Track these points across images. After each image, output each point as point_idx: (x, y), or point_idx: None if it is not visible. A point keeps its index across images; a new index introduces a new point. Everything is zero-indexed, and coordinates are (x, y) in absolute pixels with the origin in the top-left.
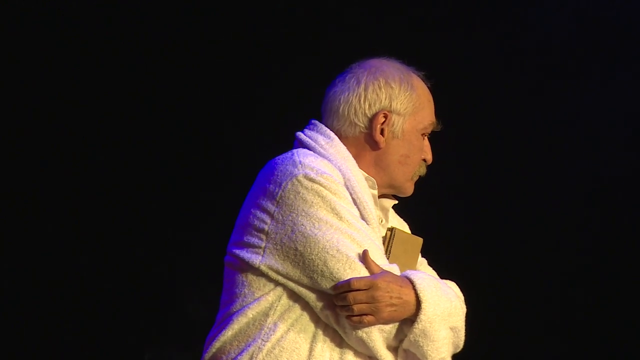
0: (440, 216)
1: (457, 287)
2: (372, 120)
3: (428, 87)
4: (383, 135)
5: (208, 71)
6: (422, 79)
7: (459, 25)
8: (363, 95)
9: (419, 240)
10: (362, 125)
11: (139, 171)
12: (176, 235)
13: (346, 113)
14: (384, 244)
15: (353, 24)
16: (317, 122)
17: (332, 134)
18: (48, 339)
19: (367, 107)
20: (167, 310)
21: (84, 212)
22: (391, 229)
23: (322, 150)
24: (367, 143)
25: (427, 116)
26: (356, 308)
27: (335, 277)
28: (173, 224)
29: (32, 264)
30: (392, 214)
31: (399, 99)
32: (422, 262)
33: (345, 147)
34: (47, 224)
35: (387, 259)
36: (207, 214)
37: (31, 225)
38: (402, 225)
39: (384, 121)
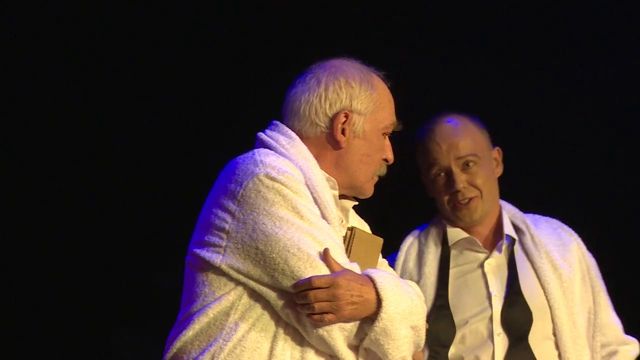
0: (400, 217)
1: (417, 286)
2: (333, 120)
3: (388, 87)
4: (344, 135)
5: (207, 77)
6: (382, 79)
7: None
8: (324, 95)
9: (379, 240)
10: (323, 125)
11: (120, 160)
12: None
13: (307, 113)
14: (344, 243)
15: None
16: (278, 122)
17: (294, 134)
18: (15, 324)
19: (327, 107)
20: (134, 295)
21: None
22: (351, 229)
23: (283, 150)
24: (328, 143)
25: (387, 116)
26: (317, 306)
27: (296, 275)
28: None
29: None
30: (353, 214)
31: (359, 99)
32: (382, 262)
33: (306, 147)
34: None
35: (348, 258)
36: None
37: None
38: (363, 226)
39: (345, 121)
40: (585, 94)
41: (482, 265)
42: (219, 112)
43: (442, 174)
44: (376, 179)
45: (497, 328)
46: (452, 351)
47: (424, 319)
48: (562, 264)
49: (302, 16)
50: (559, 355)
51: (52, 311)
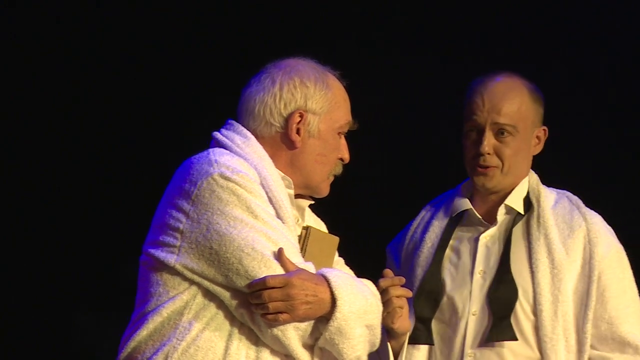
0: (357, 216)
1: (373, 285)
2: (287, 119)
3: (344, 87)
4: (299, 135)
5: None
6: (337, 79)
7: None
8: (278, 95)
9: (334, 239)
10: (278, 125)
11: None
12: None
13: (262, 113)
14: (299, 242)
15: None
16: (234, 121)
17: (249, 134)
18: None
19: (282, 106)
20: (96, 276)
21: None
22: (307, 228)
23: (238, 150)
24: (283, 143)
25: (343, 115)
26: (271, 306)
27: (250, 275)
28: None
29: None
30: (309, 213)
31: (314, 98)
32: (338, 261)
33: (261, 147)
34: None
35: (303, 257)
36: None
37: None
38: (319, 225)
39: (300, 120)
40: (585, 94)
41: (477, 239)
42: (177, 111)
43: (475, 131)
44: (332, 178)
45: (474, 306)
46: (433, 325)
47: (379, 317)
48: (559, 248)
49: (265, 13)
50: (538, 340)
51: (14, 294)
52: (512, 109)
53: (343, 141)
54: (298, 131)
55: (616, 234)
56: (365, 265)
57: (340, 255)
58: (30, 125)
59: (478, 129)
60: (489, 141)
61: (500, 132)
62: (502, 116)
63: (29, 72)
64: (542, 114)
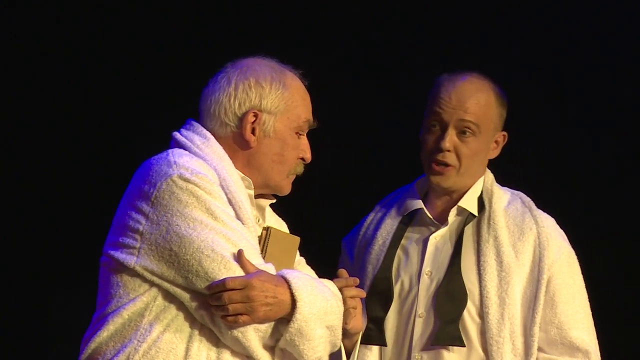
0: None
1: (334, 285)
2: (241, 119)
3: (305, 86)
4: (254, 135)
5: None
6: (298, 78)
7: None
8: (233, 95)
9: (295, 239)
10: (233, 125)
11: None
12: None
13: (217, 113)
14: (259, 243)
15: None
16: (194, 121)
17: (208, 134)
18: None
19: (237, 106)
20: (74, 257)
21: None
22: (267, 228)
23: (197, 150)
24: (239, 143)
25: (301, 114)
26: (231, 308)
27: (210, 277)
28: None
29: None
30: (270, 213)
31: (269, 98)
32: (300, 261)
33: (221, 147)
34: None
35: (263, 258)
36: None
37: None
38: (280, 225)
39: (255, 120)
40: (585, 93)
41: (427, 239)
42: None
43: (438, 126)
44: (293, 177)
45: (420, 308)
46: (386, 326)
47: (340, 318)
48: (508, 251)
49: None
50: (484, 343)
51: None
52: (479, 108)
53: (304, 140)
54: (253, 131)
55: (568, 237)
56: (325, 264)
57: (301, 255)
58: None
59: (442, 124)
60: (451, 138)
61: (462, 131)
62: (468, 114)
63: (29, 72)
64: (504, 119)
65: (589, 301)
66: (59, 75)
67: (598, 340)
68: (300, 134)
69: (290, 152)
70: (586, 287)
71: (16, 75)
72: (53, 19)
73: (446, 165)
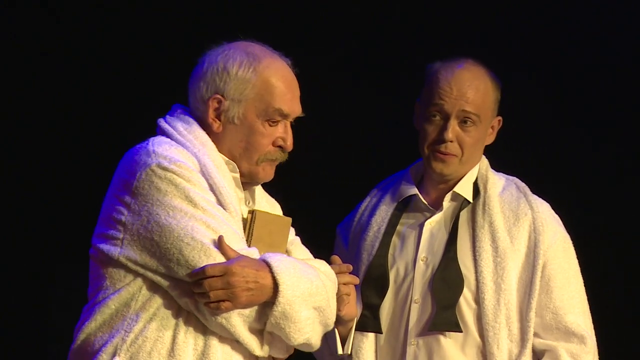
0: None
1: (326, 265)
2: (206, 103)
3: (295, 75)
4: (220, 120)
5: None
6: (283, 66)
7: None
8: (203, 79)
9: (286, 220)
10: (202, 109)
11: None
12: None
13: (195, 96)
14: (245, 227)
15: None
16: (178, 107)
17: (191, 120)
18: None
19: (204, 90)
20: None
21: None
22: (252, 212)
23: (179, 137)
24: (209, 127)
25: (272, 102)
26: (212, 295)
27: (190, 265)
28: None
29: None
30: (262, 194)
31: (232, 84)
32: (293, 241)
33: (204, 132)
34: None
35: (249, 242)
36: None
37: None
38: (273, 206)
39: (218, 106)
40: (585, 93)
41: (422, 225)
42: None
43: (439, 117)
44: (268, 164)
45: (416, 294)
46: (382, 312)
47: (330, 298)
48: (503, 236)
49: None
50: (480, 328)
51: None
52: (479, 97)
53: (280, 128)
54: (219, 116)
55: (563, 222)
56: (319, 251)
57: (297, 235)
58: (30, 125)
59: (443, 114)
60: (453, 128)
61: (464, 120)
62: (469, 104)
63: (29, 72)
64: (499, 102)
65: (589, 301)
66: (59, 75)
67: (597, 339)
68: (272, 122)
69: (258, 140)
70: (585, 286)
71: (16, 75)
72: (53, 19)
73: (449, 155)
